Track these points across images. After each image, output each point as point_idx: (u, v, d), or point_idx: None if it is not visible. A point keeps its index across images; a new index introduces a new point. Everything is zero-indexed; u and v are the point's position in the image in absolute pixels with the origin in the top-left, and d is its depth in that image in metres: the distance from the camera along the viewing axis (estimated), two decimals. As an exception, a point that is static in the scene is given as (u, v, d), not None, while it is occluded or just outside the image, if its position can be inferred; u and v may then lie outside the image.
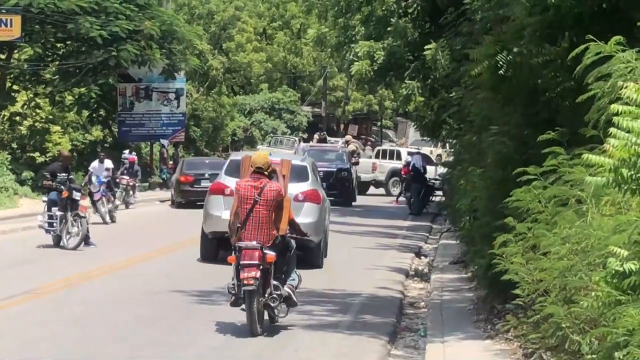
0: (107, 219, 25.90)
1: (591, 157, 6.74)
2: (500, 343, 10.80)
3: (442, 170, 30.13)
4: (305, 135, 60.71)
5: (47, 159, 35.33)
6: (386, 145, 53.41)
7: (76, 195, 20.10)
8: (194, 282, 15.72)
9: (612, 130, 6.59)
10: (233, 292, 11.53)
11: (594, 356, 7.50)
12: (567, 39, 11.60)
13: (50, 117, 39.68)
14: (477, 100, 14.73)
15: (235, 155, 20.57)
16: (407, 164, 36.24)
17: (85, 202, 21.92)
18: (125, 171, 32.35)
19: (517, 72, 12.06)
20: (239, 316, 12.13)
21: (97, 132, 43.43)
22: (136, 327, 11.92)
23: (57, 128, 39.46)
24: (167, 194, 36.95)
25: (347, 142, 49.43)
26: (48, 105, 39.92)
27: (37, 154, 37.25)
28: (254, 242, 11.45)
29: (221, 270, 16.36)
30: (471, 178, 15.53)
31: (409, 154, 39.31)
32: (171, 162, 43.54)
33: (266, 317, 11.77)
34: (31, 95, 39.37)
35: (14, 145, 38.24)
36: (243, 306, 11.42)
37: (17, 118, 38.71)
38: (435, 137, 28.72)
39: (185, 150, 49.17)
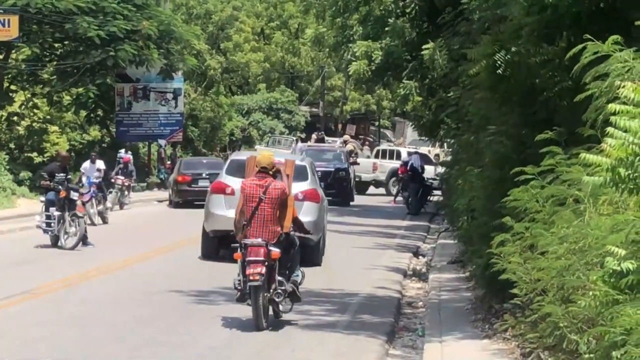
0: (96, 220, 25.39)
1: (589, 156, 6.75)
2: (498, 342, 10.80)
3: (441, 169, 30.10)
4: (303, 135, 60.70)
5: (45, 159, 35.34)
6: (386, 145, 53.31)
7: (74, 195, 20.11)
8: (193, 282, 15.72)
9: (610, 129, 6.60)
10: (239, 287, 11.73)
11: (591, 355, 7.51)
12: (565, 39, 11.60)
13: (48, 117, 39.68)
14: (475, 100, 14.72)
15: (236, 156, 20.70)
16: (405, 163, 36.13)
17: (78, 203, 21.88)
18: (120, 171, 32.14)
19: (514, 72, 12.05)
20: (238, 315, 12.17)
21: (94, 132, 43.40)
22: (135, 327, 11.92)
23: (55, 128, 39.47)
24: (164, 194, 36.94)
25: (345, 142, 49.44)
26: (46, 106, 39.89)
27: (35, 154, 37.25)
28: (259, 239, 11.67)
29: (219, 269, 16.41)
30: (469, 178, 15.55)
31: (409, 153, 39.25)
32: (169, 162, 43.51)
33: (271, 312, 11.91)
34: (29, 96, 39.35)
35: (12, 146, 38.25)
36: (249, 301, 11.63)
37: (15, 118, 38.68)
38: (433, 137, 28.69)
39: (183, 150, 49.16)
